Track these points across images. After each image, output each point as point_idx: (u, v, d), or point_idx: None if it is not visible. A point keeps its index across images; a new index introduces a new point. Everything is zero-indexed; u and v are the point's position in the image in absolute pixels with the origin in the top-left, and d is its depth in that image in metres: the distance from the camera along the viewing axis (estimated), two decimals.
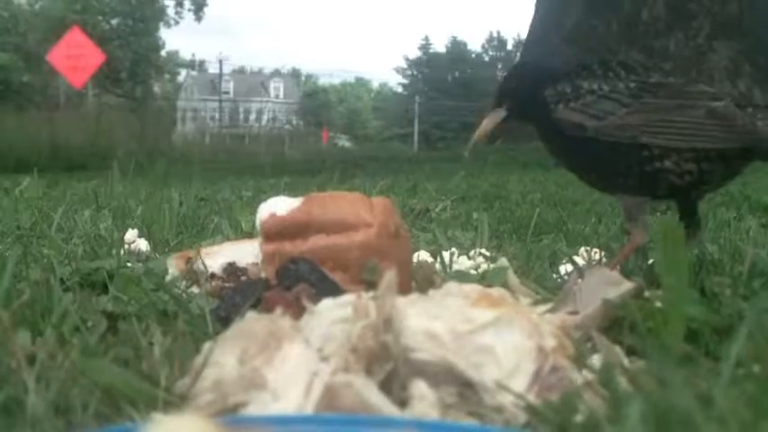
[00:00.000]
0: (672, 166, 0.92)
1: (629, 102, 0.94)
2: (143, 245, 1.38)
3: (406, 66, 44.87)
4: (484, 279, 0.98)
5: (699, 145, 0.91)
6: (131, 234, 1.44)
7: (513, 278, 0.98)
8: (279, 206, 0.95)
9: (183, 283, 1.00)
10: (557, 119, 0.98)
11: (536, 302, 0.87)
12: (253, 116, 45.02)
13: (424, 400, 0.54)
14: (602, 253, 1.20)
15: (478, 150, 7.29)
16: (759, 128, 0.89)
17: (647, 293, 0.81)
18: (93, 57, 9.48)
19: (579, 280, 0.84)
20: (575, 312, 0.78)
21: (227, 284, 0.98)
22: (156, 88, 31.29)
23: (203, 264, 1.03)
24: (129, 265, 1.10)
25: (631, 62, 1.01)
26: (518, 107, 1.05)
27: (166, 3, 28.52)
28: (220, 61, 38.67)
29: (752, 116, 0.90)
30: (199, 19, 28.04)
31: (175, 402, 0.57)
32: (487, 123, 1.05)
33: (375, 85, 56.70)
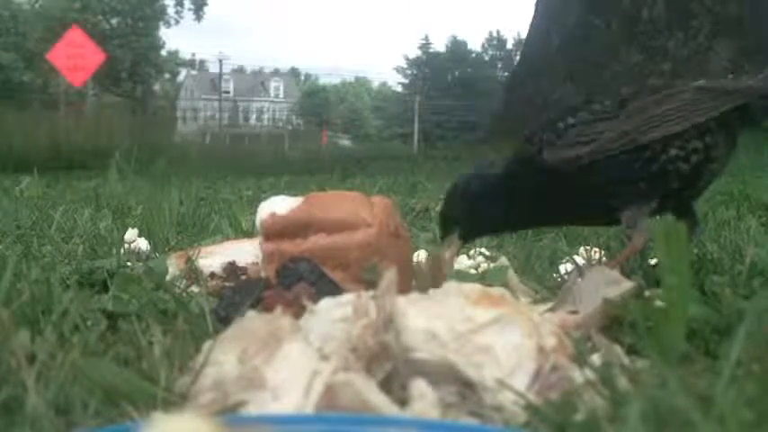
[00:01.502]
0: (678, 152, 0.92)
1: (616, 113, 0.95)
2: (143, 244, 1.38)
3: (406, 65, 44.88)
4: (484, 278, 0.98)
5: (698, 119, 0.92)
6: (131, 233, 1.44)
7: (513, 278, 0.98)
8: (279, 205, 0.95)
9: (183, 282, 1.00)
10: (549, 165, 0.97)
11: (536, 302, 0.87)
12: (253, 116, 45.06)
13: (424, 399, 0.54)
14: (602, 252, 1.20)
15: (479, 150, 7.28)
16: (744, 84, 0.91)
17: (647, 293, 0.81)
18: (93, 56, 9.48)
19: (579, 279, 0.84)
20: (575, 312, 0.78)
21: (227, 284, 0.98)
22: (156, 88, 31.29)
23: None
24: (129, 264, 1.10)
25: (597, 87, 1.01)
26: (475, 221, 1.03)
27: (166, 2, 28.54)
28: (220, 61, 38.65)
29: (741, 81, 0.92)
30: (199, 18, 28.06)
31: (175, 401, 0.57)
32: (448, 259, 1.03)
33: (375, 84, 56.72)
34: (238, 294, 0.81)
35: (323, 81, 54.12)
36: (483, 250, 1.28)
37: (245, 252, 1.06)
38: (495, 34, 45.13)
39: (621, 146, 0.94)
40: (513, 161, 1.02)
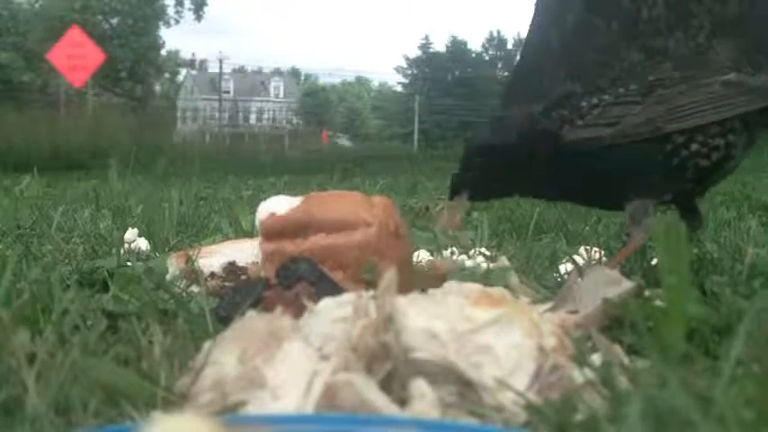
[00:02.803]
0: (699, 148, 0.91)
1: (642, 99, 0.93)
2: (143, 244, 1.38)
3: (406, 65, 44.87)
4: (484, 278, 0.98)
5: (725, 115, 0.90)
6: (131, 233, 1.44)
7: (513, 277, 0.98)
8: (279, 205, 0.95)
9: (183, 282, 1.00)
10: (566, 142, 0.95)
11: (536, 302, 0.87)
12: (253, 115, 45.06)
13: (424, 399, 0.54)
14: (602, 252, 1.20)
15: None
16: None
17: (647, 293, 0.81)
18: (93, 56, 9.48)
19: (579, 279, 0.84)
20: (575, 311, 0.78)
21: (227, 283, 0.98)
22: (157, 87, 31.29)
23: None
24: (129, 264, 1.10)
25: (623, 72, 1.00)
26: (486, 184, 1.02)
27: (166, 2, 28.53)
28: (220, 60, 38.66)
29: (761, 78, 0.91)
30: (199, 18, 28.04)
31: (175, 401, 0.57)
32: (452, 214, 1.03)
33: (375, 84, 56.71)
34: (238, 294, 0.81)
35: (323, 81, 54.13)
36: (483, 250, 1.28)
37: (245, 252, 1.06)
38: (495, 34, 45.13)
39: (645, 133, 0.92)
40: (525, 130, 0.99)
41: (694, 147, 0.91)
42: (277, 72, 51.07)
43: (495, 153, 1.00)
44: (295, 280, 0.83)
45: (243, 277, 1.01)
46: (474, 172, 1.01)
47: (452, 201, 1.03)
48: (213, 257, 1.07)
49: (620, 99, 0.94)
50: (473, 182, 1.02)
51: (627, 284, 0.79)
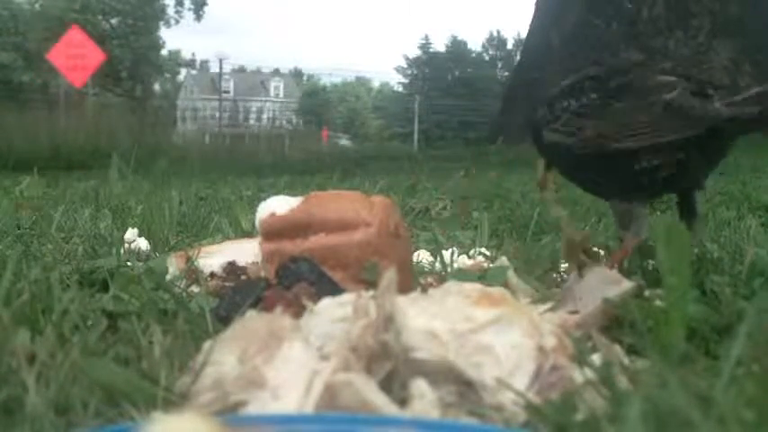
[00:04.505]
0: (648, 164, 0.93)
1: (597, 113, 0.97)
2: (143, 244, 1.38)
3: (406, 65, 44.87)
4: (484, 278, 0.98)
5: (662, 140, 0.92)
6: (131, 233, 1.44)
7: (513, 277, 0.98)
8: (278, 205, 0.95)
9: (183, 282, 1.00)
10: (547, 142, 1.02)
11: (536, 302, 0.87)
12: (253, 115, 45.06)
13: (424, 399, 0.54)
14: (602, 252, 1.20)
15: (479, 150, 7.28)
16: (714, 111, 0.90)
17: (647, 293, 0.81)
18: (93, 56, 9.47)
19: (579, 279, 0.84)
20: (575, 311, 0.78)
21: (227, 283, 0.98)
22: (156, 88, 31.29)
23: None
24: (129, 264, 1.10)
25: (594, 71, 1.02)
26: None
27: (166, 2, 28.55)
28: (220, 60, 38.63)
29: (710, 100, 0.91)
30: (199, 18, 28.08)
31: (175, 401, 0.57)
32: (540, 169, 1.08)
33: (376, 84, 56.73)
34: (238, 294, 0.81)
35: (323, 81, 54.15)
36: (483, 250, 1.28)
37: (245, 252, 1.06)
38: (495, 34, 45.14)
39: (597, 147, 0.96)
40: (528, 118, 1.06)
41: (644, 163, 0.94)
42: (277, 72, 51.08)
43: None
44: (295, 280, 0.83)
45: (243, 277, 1.01)
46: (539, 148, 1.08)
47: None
48: (213, 257, 1.07)
49: (582, 109, 0.98)
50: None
51: (627, 284, 0.79)
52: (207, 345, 0.59)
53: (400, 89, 47.02)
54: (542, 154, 1.07)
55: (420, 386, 0.54)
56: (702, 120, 0.91)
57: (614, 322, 0.75)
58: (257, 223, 0.97)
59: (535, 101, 1.05)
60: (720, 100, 0.91)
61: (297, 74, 54.20)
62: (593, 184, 1.03)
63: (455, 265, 1.12)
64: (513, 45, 41.13)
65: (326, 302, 0.65)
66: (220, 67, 40.05)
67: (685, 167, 0.93)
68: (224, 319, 0.75)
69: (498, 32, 46.43)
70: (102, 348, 0.69)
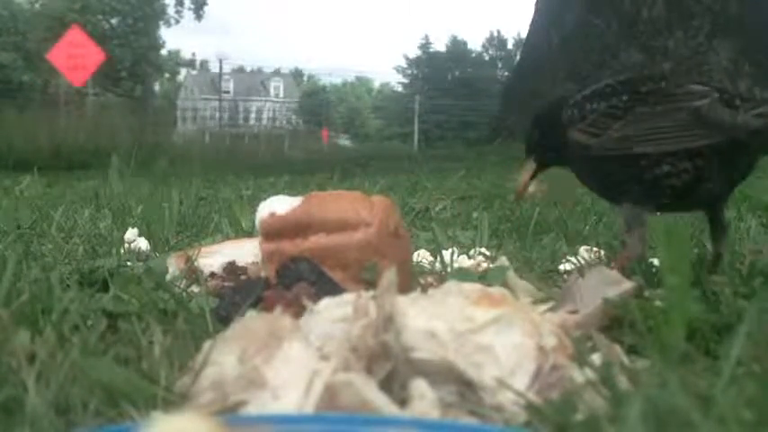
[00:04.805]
0: (669, 169, 0.93)
1: (623, 114, 0.97)
2: (143, 244, 1.38)
3: (406, 65, 44.87)
4: (484, 278, 0.98)
5: (685, 145, 0.92)
6: (131, 233, 1.44)
7: (513, 277, 0.98)
8: (279, 205, 0.95)
9: (183, 282, 1.00)
10: (571, 142, 1.02)
11: (536, 302, 0.87)
12: (253, 115, 45.07)
13: (424, 399, 0.54)
14: (603, 252, 1.20)
15: (478, 151, 7.28)
16: (740, 121, 0.90)
17: (647, 293, 0.81)
18: (93, 56, 9.47)
19: (579, 279, 0.84)
20: (575, 311, 0.78)
21: (227, 283, 0.98)
22: (156, 88, 31.30)
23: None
24: (129, 264, 1.10)
25: (627, 76, 1.04)
26: (545, 155, 1.09)
27: (166, 2, 28.56)
28: (220, 60, 38.67)
29: (737, 110, 0.92)
30: (199, 18, 28.08)
31: (175, 401, 0.57)
32: (524, 177, 1.11)
33: (376, 84, 56.71)
34: (238, 294, 0.81)
35: (323, 81, 54.14)
36: (483, 250, 1.28)
37: (245, 252, 1.06)
38: (495, 34, 45.14)
39: (620, 149, 0.96)
40: (555, 113, 1.06)
41: (665, 168, 0.94)
42: (277, 72, 51.08)
43: (542, 124, 1.09)
44: (295, 280, 0.83)
45: (243, 277, 1.01)
46: (536, 139, 1.10)
47: (525, 161, 1.10)
48: (213, 257, 1.07)
49: (610, 110, 0.98)
50: (536, 148, 1.09)
51: (627, 284, 0.79)
52: (207, 345, 0.59)
53: (400, 89, 47.03)
54: (543, 155, 1.07)
55: (420, 386, 0.54)
56: (727, 129, 0.91)
57: (614, 322, 0.75)
58: (257, 223, 0.97)
59: (539, 102, 1.06)
60: (748, 112, 0.91)
61: (297, 74, 54.19)
62: (609, 186, 1.02)
63: (455, 265, 1.12)
64: (513, 45, 41.14)
65: (326, 302, 0.65)
66: (220, 67, 40.07)
67: (706, 178, 0.93)
68: (224, 319, 0.75)
69: (498, 32, 46.51)
70: (102, 348, 0.69)
